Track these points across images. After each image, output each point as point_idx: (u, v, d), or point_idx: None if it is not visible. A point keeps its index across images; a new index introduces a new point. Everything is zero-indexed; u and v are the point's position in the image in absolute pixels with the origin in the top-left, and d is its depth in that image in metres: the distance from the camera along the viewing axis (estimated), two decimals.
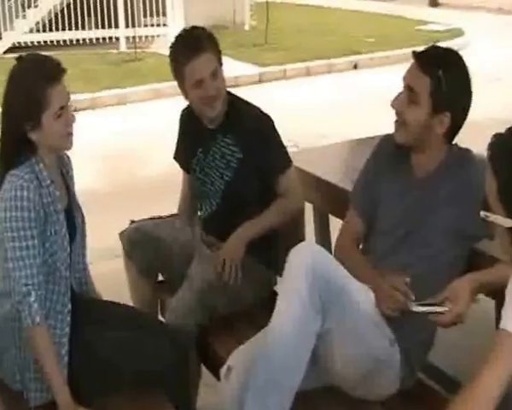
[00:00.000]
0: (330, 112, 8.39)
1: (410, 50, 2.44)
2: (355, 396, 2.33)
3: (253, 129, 2.83)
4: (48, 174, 2.34)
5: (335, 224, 3.04)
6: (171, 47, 2.85)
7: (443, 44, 2.57)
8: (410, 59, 2.40)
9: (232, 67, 8.56)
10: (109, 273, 3.70)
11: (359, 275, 2.32)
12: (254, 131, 2.82)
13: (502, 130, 1.76)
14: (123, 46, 12.20)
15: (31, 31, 12.09)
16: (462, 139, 2.45)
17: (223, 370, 2.35)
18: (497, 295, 2.16)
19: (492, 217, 1.71)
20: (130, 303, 3.01)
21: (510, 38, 12.91)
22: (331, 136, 6.54)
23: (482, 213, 1.74)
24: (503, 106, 8.08)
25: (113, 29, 12.33)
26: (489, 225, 1.75)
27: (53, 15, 12.17)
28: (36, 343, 2.24)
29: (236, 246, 2.77)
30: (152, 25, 12.78)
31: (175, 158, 3.16)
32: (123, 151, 7.22)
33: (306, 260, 2.15)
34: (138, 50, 11.38)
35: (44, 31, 12.17)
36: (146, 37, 12.47)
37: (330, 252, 2.56)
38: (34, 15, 12.03)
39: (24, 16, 12.06)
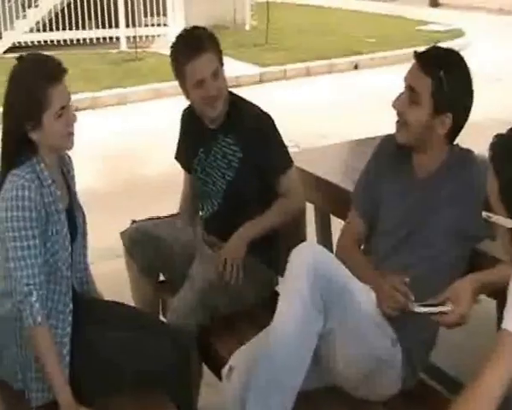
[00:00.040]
0: (331, 112, 8.39)
1: (410, 51, 2.44)
2: (357, 396, 2.33)
3: (254, 128, 2.83)
4: (49, 174, 2.34)
5: (337, 224, 3.05)
6: (172, 47, 2.85)
7: (443, 45, 2.56)
8: (410, 59, 2.40)
9: (233, 67, 8.55)
10: (110, 273, 3.70)
11: (361, 275, 2.32)
12: (255, 131, 2.82)
13: (503, 130, 1.76)
14: (123, 46, 12.20)
15: (31, 30, 12.08)
16: (462, 139, 2.45)
17: (224, 370, 2.35)
18: (499, 296, 2.16)
19: (494, 217, 1.72)
20: (132, 303, 3.01)
21: (511, 39, 12.91)
22: (332, 136, 6.54)
23: (484, 214, 1.74)
24: (503, 106, 8.09)
25: (114, 29, 12.32)
26: (491, 225, 1.76)
27: (53, 15, 12.16)
28: (37, 343, 2.24)
29: (238, 246, 2.77)
30: (152, 25, 12.78)
31: (176, 158, 3.16)
32: (123, 151, 7.22)
33: (308, 260, 2.15)
34: (139, 50, 11.38)
35: (45, 30, 12.16)
36: (146, 36, 12.47)
37: (331, 252, 2.56)
38: (34, 15, 12.02)
39: (24, 16, 12.05)
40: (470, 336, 2.73)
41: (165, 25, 12.59)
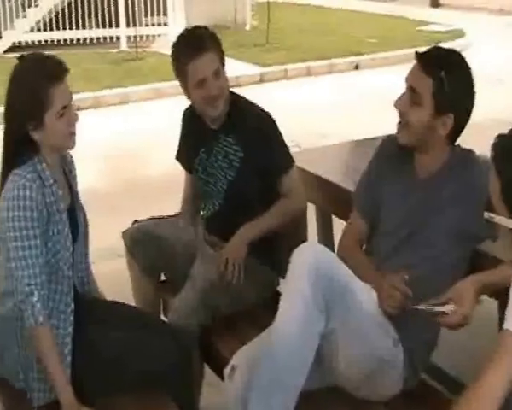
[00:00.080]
0: (332, 112, 8.39)
1: (411, 51, 2.44)
2: (358, 397, 2.33)
3: (255, 128, 2.83)
4: (50, 173, 2.34)
5: (338, 224, 3.05)
6: (173, 46, 2.84)
7: (444, 45, 2.56)
8: (411, 60, 2.40)
9: (233, 67, 8.53)
10: (111, 273, 3.70)
11: (362, 275, 2.32)
12: (256, 130, 2.82)
13: (504, 131, 1.76)
14: (124, 45, 12.19)
15: (31, 30, 12.06)
16: (464, 140, 2.45)
17: (226, 369, 2.35)
18: (501, 296, 2.16)
19: (496, 218, 1.72)
20: (133, 303, 3.01)
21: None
22: (333, 136, 6.54)
23: (486, 214, 1.74)
24: (504, 107, 8.09)
25: (114, 28, 12.31)
26: (493, 226, 1.76)
27: (53, 15, 12.15)
28: (39, 343, 2.24)
29: (239, 245, 2.77)
30: (153, 24, 12.78)
31: (177, 158, 3.15)
32: (125, 151, 7.22)
33: (309, 260, 2.15)
34: (139, 50, 11.37)
35: (45, 30, 12.14)
36: (147, 36, 12.47)
37: (333, 252, 2.56)
38: (35, 14, 12.01)
39: (24, 15, 12.04)
40: (471, 337, 2.73)
41: (165, 24, 12.59)
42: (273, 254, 2.92)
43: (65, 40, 12.03)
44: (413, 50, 2.40)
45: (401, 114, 2.40)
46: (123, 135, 7.79)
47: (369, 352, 2.23)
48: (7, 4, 11.83)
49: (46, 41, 11.80)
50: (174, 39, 2.87)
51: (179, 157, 3.14)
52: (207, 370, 2.87)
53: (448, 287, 2.14)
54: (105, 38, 12.33)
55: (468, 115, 2.38)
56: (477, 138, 2.64)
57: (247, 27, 14.04)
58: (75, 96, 2.39)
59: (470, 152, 2.43)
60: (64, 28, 12.19)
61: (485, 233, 2.23)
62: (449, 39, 12.28)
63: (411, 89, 2.36)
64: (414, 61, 2.38)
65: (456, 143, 2.44)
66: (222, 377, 2.42)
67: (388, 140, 2.58)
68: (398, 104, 2.40)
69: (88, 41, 12.24)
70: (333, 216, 3.48)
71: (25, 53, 2.41)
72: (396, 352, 2.30)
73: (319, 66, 11.01)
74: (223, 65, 2.83)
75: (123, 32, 12.23)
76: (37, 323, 2.22)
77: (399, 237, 2.41)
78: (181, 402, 2.42)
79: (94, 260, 2.69)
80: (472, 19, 15.29)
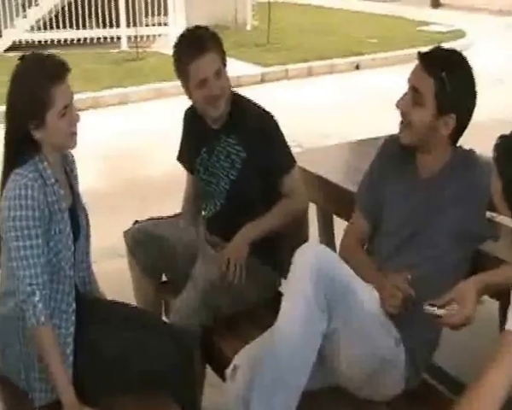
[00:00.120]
0: (333, 112, 8.39)
1: (411, 51, 2.45)
2: (361, 397, 2.33)
3: (257, 128, 2.83)
4: (52, 173, 2.34)
5: (339, 224, 3.05)
6: (174, 46, 2.84)
7: (445, 45, 2.56)
8: (411, 60, 2.40)
9: (234, 67, 8.53)
10: (112, 273, 3.70)
11: (364, 275, 2.33)
12: (258, 130, 2.82)
13: (505, 131, 1.77)
14: (124, 45, 12.18)
15: (32, 29, 12.05)
16: (465, 140, 2.45)
17: (228, 369, 2.35)
18: (502, 297, 2.17)
19: (498, 218, 1.73)
20: (134, 303, 3.01)
21: None
22: (334, 136, 6.55)
23: (488, 214, 1.75)
24: (505, 107, 8.10)
25: (115, 28, 12.30)
26: (494, 225, 1.77)
27: (54, 14, 12.15)
28: (40, 343, 2.24)
29: (240, 246, 2.77)
30: (153, 24, 12.77)
31: (179, 159, 3.15)
32: (125, 151, 7.22)
33: (311, 260, 2.15)
34: (140, 50, 11.37)
35: (45, 29, 12.13)
36: (147, 36, 12.46)
37: (335, 252, 2.56)
38: (35, 14, 12.00)
39: (25, 15, 12.03)
40: (473, 337, 2.73)
41: (165, 24, 12.59)
42: (275, 254, 2.92)
43: (65, 40, 12.01)
44: (413, 50, 2.41)
45: (403, 114, 2.40)
46: (123, 135, 7.79)
47: (370, 352, 2.23)
48: (7, 3, 11.82)
49: (46, 41, 11.79)
50: (174, 39, 2.87)
51: (181, 158, 3.14)
52: (209, 370, 2.87)
53: (450, 287, 2.14)
54: (105, 38, 12.32)
55: (470, 115, 2.38)
56: (478, 138, 2.65)
57: (248, 27, 14.04)
58: (75, 97, 2.39)
59: (472, 152, 2.43)
60: (64, 28, 12.18)
61: (487, 233, 2.24)
62: (449, 39, 12.27)
63: (413, 89, 2.36)
64: (414, 61, 2.38)
65: (458, 144, 2.44)
66: (223, 378, 2.42)
67: (390, 140, 2.58)
68: (400, 104, 2.40)
69: (88, 41, 12.22)
70: (334, 216, 3.48)
71: (26, 53, 2.41)
72: (398, 352, 2.30)
73: (320, 66, 11.01)
74: (224, 65, 2.83)
75: (123, 32, 12.22)
76: (39, 323, 2.22)
77: (401, 236, 2.41)
78: (183, 403, 2.42)
79: (94, 260, 2.69)
80: (472, 19, 15.29)
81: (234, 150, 2.87)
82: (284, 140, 2.89)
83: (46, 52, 2.47)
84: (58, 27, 12.16)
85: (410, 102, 2.36)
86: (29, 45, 11.39)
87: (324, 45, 12.09)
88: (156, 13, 12.70)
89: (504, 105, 8.26)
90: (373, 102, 8.48)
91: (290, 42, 12.40)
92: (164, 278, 3.12)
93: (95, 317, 2.45)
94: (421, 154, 2.44)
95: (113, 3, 12.31)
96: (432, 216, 2.36)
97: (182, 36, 2.85)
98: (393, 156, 2.53)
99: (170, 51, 2.87)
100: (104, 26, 12.38)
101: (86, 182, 2.91)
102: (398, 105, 2.40)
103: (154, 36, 12.50)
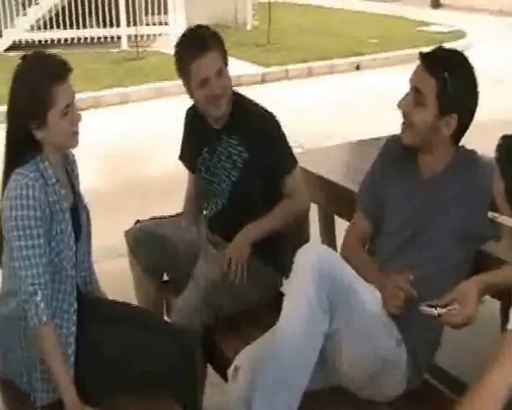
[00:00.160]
0: (334, 113, 8.39)
1: (412, 51, 2.46)
2: (362, 397, 2.33)
3: (259, 128, 2.83)
4: (53, 172, 2.33)
5: (340, 224, 3.05)
6: (176, 46, 2.84)
7: (446, 46, 2.56)
8: (412, 60, 2.40)
9: (234, 67, 8.55)
10: (113, 272, 3.70)
11: (365, 275, 2.33)
12: (259, 131, 2.82)
13: (506, 131, 1.77)
14: (124, 45, 12.18)
15: (32, 28, 12.05)
16: (467, 140, 2.45)
17: (230, 370, 2.35)
18: (503, 297, 2.17)
19: (500, 218, 1.73)
20: (135, 302, 3.01)
21: None
22: (336, 136, 6.55)
23: (490, 214, 1.75)
24: (504, 107, 8.11)
25: (115, 28, 12.30)
26: (496, 226, 1.77)
27: (54, 13, 12.14)
28: (42, 343, 2.24)
29: (242, 245, 2.77)
30: (154, 23, 12.77)
31: (180, 159, 3.15)
32: (126, 150, 7.22)
33: (313, 260, 2.15)
34: (140, 49, 11.37)
35: (45, 29, 12.13)
36: (148, 35, 12.46)
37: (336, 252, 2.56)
38: (35, 13, 12.00)
39: (25, 14, 12.03)
40: (474, 337, 2.74)
41: (166, 23, 12.59)
42: (276, 254, 2.92)
43: (65, 39, 12.01)
44: (414, 51, 2.41)
45: (405, 115, 2.40)
46: (124, 135, 7.78)
47: (372, 352, 2.23)
48: (7, 3, 11.82)
49: (46, 40, 11.79)
50: (175, 38, 2.87)
51: (182, 157, 3.15)
52: (210, 370, 2.87)
53: (452, 287, 2.14)
54: (105, 38, 12.32)
55: (472, 115, 2.38)
56: (480, 138, 2.65)
57: (248, 27, 14.04)
58: (76, 96, 2.39)
59: (473, 152, 2.43)
60: (64, 27, 12.18)
61: (489, 233, 2.23)
62: (450, 40, 12.27)
63: (415, 89, 2.36)
64: (415, 62, 2.38)
65: (460, 144, 2.44)
66: (225, 378, 2.42)
67: (392, 140, 2.58)
68: (401, 105, 2.40)
69: (88, 40, 12.22)
70: (335, 216, 3.48)
71: (27, 52, 2.41)
72: (399, 352, 2.30)
73: (320, 66, 11.01)
74: (226, 64, 2.83)
75: (123, 31, 12.22)
76: (41, 322, 2.22)
77: (403, 237, 2.41)
78: (184, 402, 2.42)
79: (96, 259, 2.69)
80: (472, 20, 15.30)
81: (235, 151, 2.87)
82: (286, 140, 2.89)
83: (48, 51, 2.47)
84: (58, 27, 12.15)
85: (412, 102, 2.36)
86: (29, 45, 11.38)
87: (325, 45, 12.09)
88: (156, 12, 12.71)
89: (505, 105, 8.27)
90: (373, 103, 8.48)
91: (290, 42, 12.40)
92: (165, 278, 3.13)
93: (96, 317, 2.45)
94: (422, 154, 2.44)
95: (113, 3, 12.31)
96: (434, 216, 2.36)
97: (183, 35, 2.85)
98: (395, 157, 2.53)
99: (170, 50, 2.87)
100: (104, 26, 12.38)
101: (87, 181, 2.91)
102: (399, 105, 2.40)
103: (154, 35, 12.50)
